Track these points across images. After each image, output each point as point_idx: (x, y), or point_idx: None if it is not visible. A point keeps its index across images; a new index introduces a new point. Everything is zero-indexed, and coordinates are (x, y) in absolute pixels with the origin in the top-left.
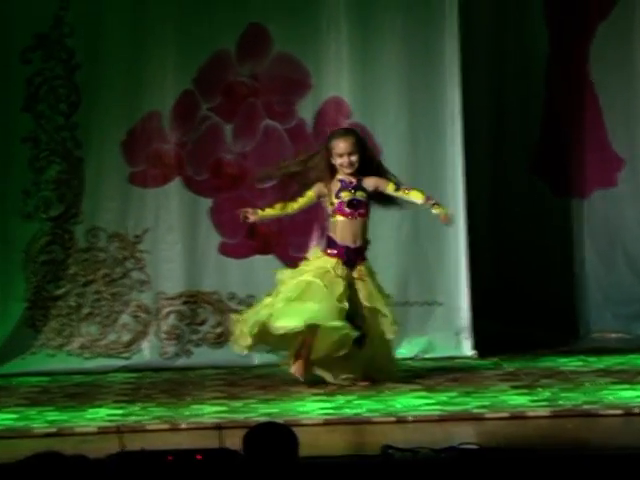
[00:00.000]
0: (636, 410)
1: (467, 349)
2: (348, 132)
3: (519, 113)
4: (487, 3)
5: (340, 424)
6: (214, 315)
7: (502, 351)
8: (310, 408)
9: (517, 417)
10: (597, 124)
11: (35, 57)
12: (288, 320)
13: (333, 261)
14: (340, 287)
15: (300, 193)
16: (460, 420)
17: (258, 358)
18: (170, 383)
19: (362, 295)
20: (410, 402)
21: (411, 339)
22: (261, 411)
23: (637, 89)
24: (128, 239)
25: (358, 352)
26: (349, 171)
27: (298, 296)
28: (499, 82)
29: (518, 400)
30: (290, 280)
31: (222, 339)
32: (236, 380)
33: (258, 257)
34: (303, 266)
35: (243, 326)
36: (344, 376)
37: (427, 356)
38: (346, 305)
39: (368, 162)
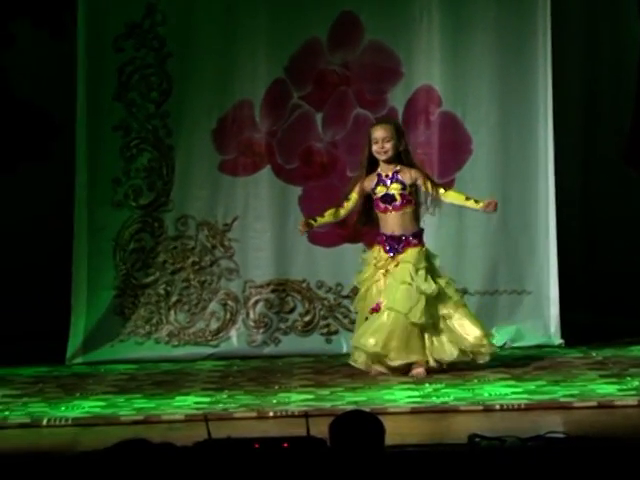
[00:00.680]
0: None
1: (555, 338)
2: (387, 120)
3: (611, 103)
4: None
5: (427, 412)
6: (302, 303)
7: (591, 340)
8: (397, 396)
9: (605, 406)
10: None
11: (127, 46)
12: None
13: (378, 249)
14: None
15: (345, 197)
16: (548, 409)
17: (346, 346)
18: (258, 371)
19: (398, 274)
20: (498, 391)
21: (500, 327)
22: (348, 399)
23: None
24: (217, 227)
25: None
26: (383, 158)
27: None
28: (591, 73)
29: (606, 389)
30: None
31: (310, 327)
32: (323, 368)
33: (347, 246)
34: (366, 266)
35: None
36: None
37: (515, 345)
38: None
39: (405, 154)
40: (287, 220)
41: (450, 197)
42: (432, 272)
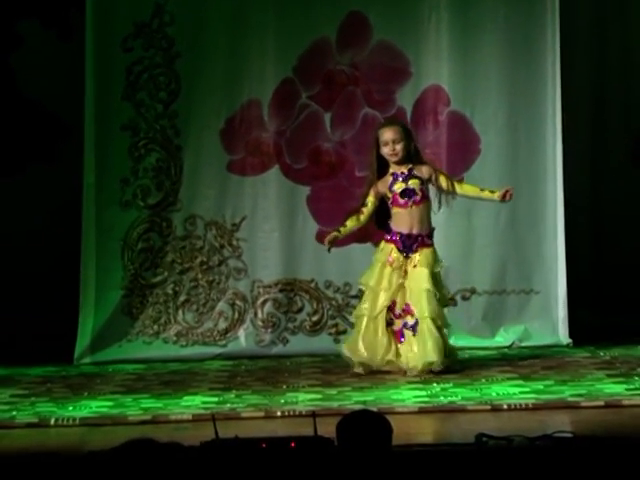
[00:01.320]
0: None
1: (563, 337)
2: (393, 121)
3: (620, 103)
4: None
5: (434, 412)
6: (311, 303)
7: (598, 340)
8: (405, 396)
9: (613, 406)
10: None
11: (136, 45)
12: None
13: (390, 248)
14: (391, 281)
15: (362, 202)
16: (555, 409)
17: None
18: (266, 371)
19: (418, 279)
20: (505, 390)
21: (508, 327)
22: (355, 399)
23: None
24: (225, 227)
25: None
26: (394, 159)
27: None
28: (600, 73)
29: (614, 389)
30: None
31: (318, 327)
32: (331, 368)
33: (355, 245)
34: (372, 263)
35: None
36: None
37: (523, 344)
38: (389, 299)
39: (414, 153)
40: (295, 220)
41: (466, 190)
42: (433, 279)
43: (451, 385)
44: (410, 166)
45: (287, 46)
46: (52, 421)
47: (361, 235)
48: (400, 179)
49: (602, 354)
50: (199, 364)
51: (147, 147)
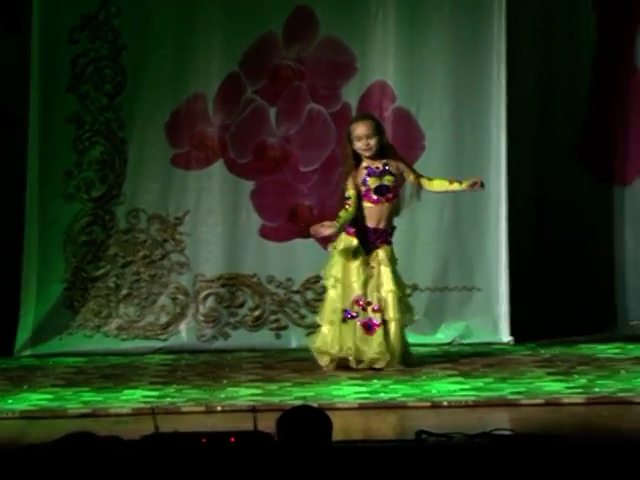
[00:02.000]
0: None
1: (504, 335)
2: (366, 116)
3: (565, 99)
4: None
5: (375, 408)
6: (252, 298)
7: (539, 337)
8: (345, 392)
9: (552, 404)
10: None
11: (82, 37)
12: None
13: (351, 240)
14: (357, 273)
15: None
16: (495, 406)
17: (295, 341)
18: (206, 365)
19: (384, 280)
20: (446, 387)
21: (449, 324)
22: (296, 394)
23: None
24: (169, 221)
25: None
26: (368, 154)
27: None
28: (546, 68)
29: (554, 387)
30: (331, 289)
31: (260, 322)
32: (272, 363)
33: (298, 240)
34: (333, 256)
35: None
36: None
37: (464, 341)
38: (356, 291)
39: (387, 147)
40: (239, 214)
41: (435, 185)
42: (397, 276)
43: (392, 382)
44: (385, 161)
45: (233, 40)
46: None
47: (304, 230)
48: (375, 174)
49: (543, 352)
50: (140, 358)
51: (91, 140)
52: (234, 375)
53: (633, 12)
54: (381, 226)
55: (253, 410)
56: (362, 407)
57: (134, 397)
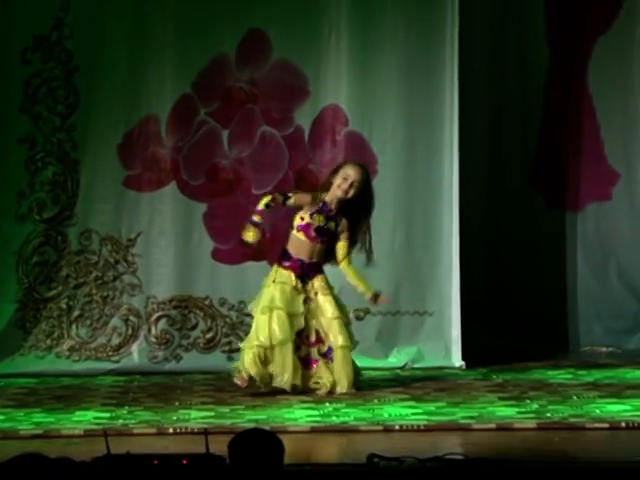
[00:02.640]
0: (622, 424)
1: (456, 360)
2: (365, 168)
3: (517, 125)
4: (487, 16)
5: (327, 432)
6: (205, 320)
7: (491, 362)
8: (297, 415)
9: (504, 428)
10: (594, 137)
11: (35, 58)
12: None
13: (288, 274)
14: (299, 305)
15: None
16: (447, 430)
17: None
18: (158, 387)
19: (326, 307)
20: (397, 411)
21: (401, 348)
22: (248, 417)
23: (634, 103)
24: (121, 242)
25: (326, 365)
26: (341, 196)
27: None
28: (498, 94)
29: (505, 411)
30: (260, 317)
31: (212, 344)
32: (224, 386)
33: (250, 263)
34: (266, 288)
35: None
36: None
37: (416, 366)
38: (301, 323)
39: (352, 207)
40: (191, 237)
41: (348, 273)
42: (338, 303)
43: (344, 405)
44: (340, 213)
45: (186, 62)
46: None
47: (256, 253)
48: (324, 214)
49: (494, 377)
50: (91, 379)
51: (44, 160)
52: (186, 397)
53: (585, 37)
54: (314, 260)
55: (205, 433)
56: (314, 430)
57: (86, 418)
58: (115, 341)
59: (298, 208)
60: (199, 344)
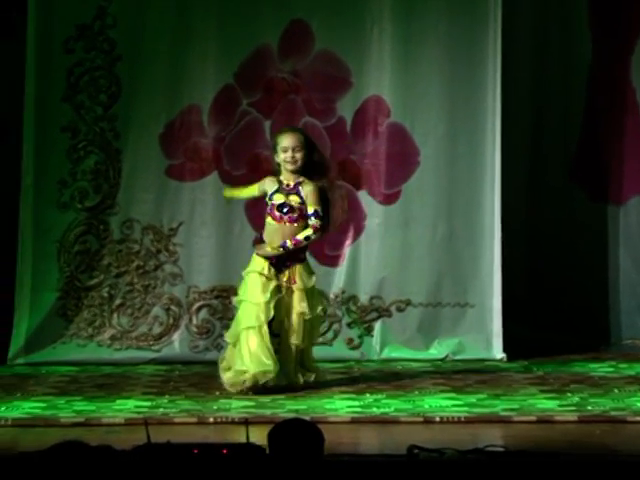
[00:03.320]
0: None
1: (497, 352)
2: (294, 128)
3: (559, 118)
4: (530, 10)
5: (367, 423)
6: None
7: (532, 355)
8: (338, 406)
9: (544, 421)
10: (636, 132)
11: (77, 47)
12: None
13: (263, 263)
14: (267, 294)
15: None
16: (487, 422)
17: None
18: (199, 377)
19: (294, 302)
20: (438, 403)
21: (442, 340)
22: (289, 407)
23: None
24: (162, 232)
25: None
26: (292, 168)
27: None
28: (541, 87)
29: (546, 404)
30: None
31: None
32: None
33: None
34: (250, 278)
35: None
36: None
37: (457, 357)
38: (270, 313)
39: (317, 165)
40: (232, 226)
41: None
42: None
43: (384, 396)
44: (300, 179)
45: (229, 52)
46: None
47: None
48: (283, 192)
49: (535, 369)
50: (133, 368)
51: (86, 149)
52: None
53: (628, 32)
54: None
55: (246, 422)
56: (354, 421)
57: (126, 407)
58: (156, 330)
59: (262, 193)
60: None
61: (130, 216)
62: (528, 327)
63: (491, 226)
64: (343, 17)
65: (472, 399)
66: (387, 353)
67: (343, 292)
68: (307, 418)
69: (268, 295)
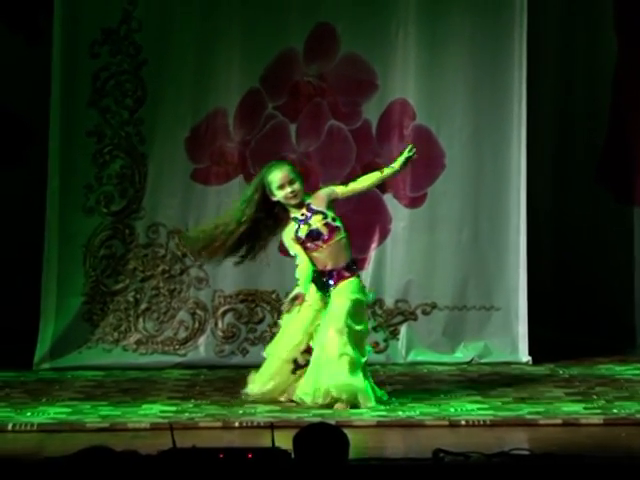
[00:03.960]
0: None
1: (523, 355)
2: (280, 162)
3: (585, 120)
4: (556, 9)
5: (392, 426)
6: (271, 314)
7: (558, 358)
8: (363, 410)
9: (570, 424)
10: None
11: (103, 51)
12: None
13: (312, 290)
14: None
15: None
16: (513, 426)
17: None
18: (225, 381)
19: (334, 312)
20: (464, 406)
21: (468, 343)
22: (314, 411)
23: None
24: None
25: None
26: (295, 202)
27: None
28: (566, 88)
29: (572, 407)
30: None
31: None
32: None
33: None
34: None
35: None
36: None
37: (483, 361)
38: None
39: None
40: None
41: (365, 183)
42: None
43: (410, 400)
44: (307, 202)
45: (254, 56)
46: (10, 426)
47: None
48: (302, 223)
49: (561, 372)
50: (158, 373)
51: (112, 154)
52: None
53: None
54: (329, 267)
55: (271, 427)
56: (379, 425)
57: (152, 412)
58: (182, 335)
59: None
60: (265, 338)
61: (156, 220)
62: (554, 329)
63: (516, 228)
64: (368, 20)
65: (498, 402)
66: (413, 356)
67: None
68: (332, 422)
69: (307, 324)
